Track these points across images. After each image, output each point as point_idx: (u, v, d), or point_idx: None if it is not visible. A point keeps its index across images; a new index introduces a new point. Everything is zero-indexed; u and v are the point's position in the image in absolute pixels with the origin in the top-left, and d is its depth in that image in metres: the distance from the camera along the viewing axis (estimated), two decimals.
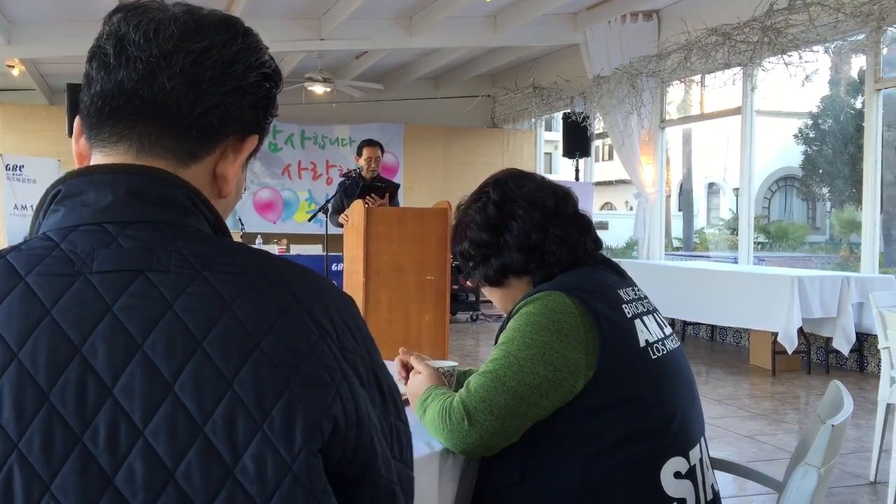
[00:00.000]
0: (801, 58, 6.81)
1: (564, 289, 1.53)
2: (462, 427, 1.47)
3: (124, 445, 0.73)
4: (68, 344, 0.75)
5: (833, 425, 1.36)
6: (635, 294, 1.63)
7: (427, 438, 1.55)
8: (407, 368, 1.81)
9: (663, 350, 1.56)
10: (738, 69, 7.54)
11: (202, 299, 0.78)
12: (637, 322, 1.55)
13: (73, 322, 0.76)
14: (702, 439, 1.60)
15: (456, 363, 1.83)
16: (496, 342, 1.58)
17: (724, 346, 8.25)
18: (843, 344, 6.38)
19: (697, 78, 8.46)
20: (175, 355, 0.75)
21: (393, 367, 1.84)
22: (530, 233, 1.63)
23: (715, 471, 1.71)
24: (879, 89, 6.74)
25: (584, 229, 1.67)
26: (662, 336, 1.59)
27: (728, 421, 5.07)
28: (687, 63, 7.89)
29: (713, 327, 8.33)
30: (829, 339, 6.61)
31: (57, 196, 0.85)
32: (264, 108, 0.93)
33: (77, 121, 0.92)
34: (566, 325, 1.48)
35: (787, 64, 6.91)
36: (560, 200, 1.67)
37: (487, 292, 1.75)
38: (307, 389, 0.77)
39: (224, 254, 0.83)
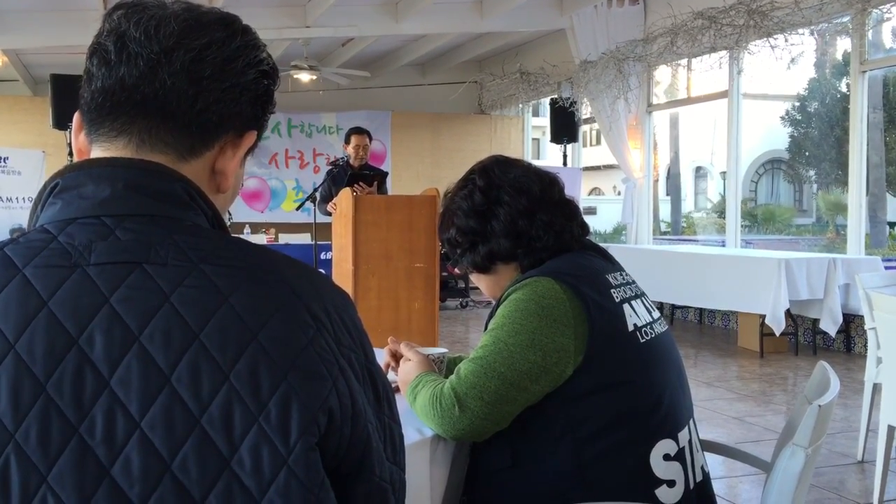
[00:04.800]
0: (786, 41, 6.82)
1: (553, 274, 1.54)
2: (453, 413, 1.48)
3: (121, 437, 0.73)
4: (65, 335, 0.75)
5: (819, 406, 1.37)
6: (623, 279, 1.64)
7: (417, 425, 1.56)
8: (396, 358, 1.81)
9: (651, 334, 1.58)
10: (724, 53, 7.55)
11: (199, 292, 0.78)
12: (625, 306, 1.56)
13: (70, 313, 0.76)
14: (690, 421, 1.61)
15: (446, 350, 1.84)
16: (486, 329, 1.58)
17: (712, 328, 8.29)
18: (830, 325, 6.43)
19: (684, 62, 8.47)
20: (172, 347, 0.75)
21: (381, 355, 1.85)
22: (517, 219, 1.63)
23: (704, 452, 1.73)
24: (865, 71, 6.76)
25: (570, 214, 1.68)
26: (650, 320, 1.61)
27: (717, 403, 5.11)
28: (673, 47, 7.89)
29: (701, 310, 8.38)
30: (816, 321, 6.65)
31: (55, 189, 0.85)
32: (262, 104, 0.94)
33: (77, 116, 0.92)
34: (555, 310, 1.49)
35: (772, 47, 6.92)
36: (546, 186, 1.67)
37: (475, 279, 1.76)
38: (304, 382, 0.78)
39: (222, 247, 0.83)
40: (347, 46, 10.37)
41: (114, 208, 0.82)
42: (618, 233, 15.42)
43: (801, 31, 6.75)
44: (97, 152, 0.89)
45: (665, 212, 22.23)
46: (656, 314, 1.66)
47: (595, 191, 27.51)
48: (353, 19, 8.66)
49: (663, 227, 21.45)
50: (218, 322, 0.77)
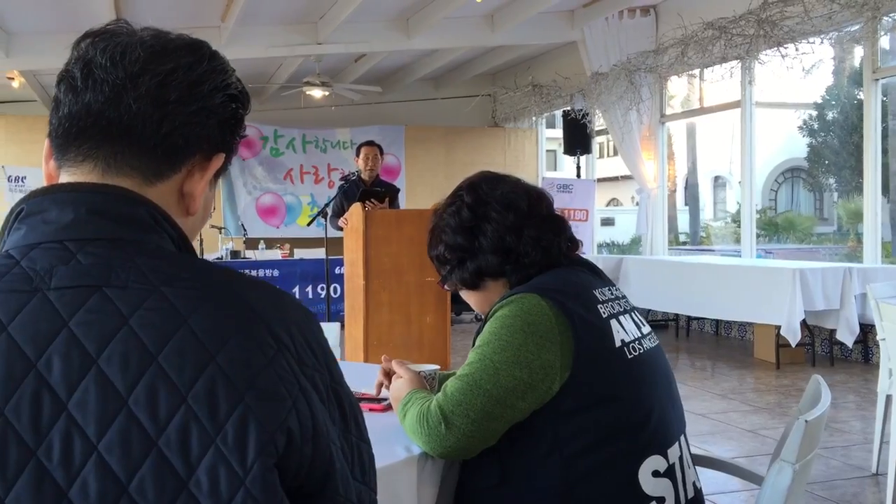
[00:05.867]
0: (797, 49, 6.79)
1: (539, 291, 1.54)
2: (439, 431, 1.48)
3: (78, 460, 0.74)
4: (24, 359, 0.76)
5: (807, 421, 1.36)
6: (612, 294, 1.63)
7: (406, 442, 1.56)
8: (389, 376, 1.81)
9: (640, 349, 1.57)
10: (735, 63, 7.52)
11: (159, 314, 0.78)
12: (613, 322, 1.55)
13: (29, 338, 0.76)
14: (682, 437, 1.60)
15: (437, 366, 1.83)
16: (473, 345, 1.58)
17: (728, 340, 8.23)
18: (847, 336, 6.35)
19: (697, 72, 8.44)
20: (130, 370, 0.76)
21: (361, 372, 1.85)
22: (504, 235, 1.63)
23: (699, 467, 1.71)
24: (877, 79, 6.71)
25: (558, 230, 1.67)
26: (639, 335, 1.60)
27: (731, 415, 5.06)
28: (684, 58, 7.88)
29: (718, 321, 8.31)
30: (832, 331, 6.58)
31: (20, 214, 0.86)
32: (231, 128, 0.95)
33: (46, 143, 0.94)
34: (541, 327, 1.49)
35: (783, 56, 6.89)
36: (534, 202, 1.67)
37: (465, 296, 1.76)
38: (262, 403, 0.78)
39: (184, 270, 0.83)
40: (360, 62, 10.42)
41: (76, 233, 0.83)
42: (635, 244, 15.35)
43: (811, 39, 6.71)
44: (65, 178, 0.90)
45: (684, 222, 22.11)
46: (646, 329, 1.65)
47: (613, 202, 27.40)
48: (364, 36, 8.72)
49: (682, 238, 21.31)
50: (176, 344, 0.77)
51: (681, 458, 1.56)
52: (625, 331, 1.56)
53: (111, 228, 0.84)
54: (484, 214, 1.65)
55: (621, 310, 1.61)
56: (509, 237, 1.63)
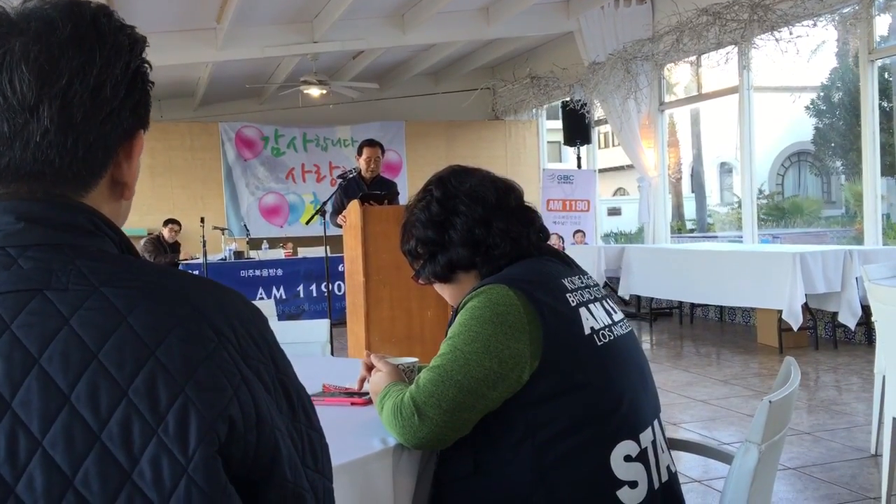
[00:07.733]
0: (791, 33, 6.77)
1: (507, 281, 1.56)
2: (412, 422, 1.50)
3: (23, 456, 0.76)
4: None
5: (770, 402, 1.37)
6: (582, 282, 1.65)
7: (383, 435, 1.58)
8: (371, 370, 1.83)
9: (610, 336, 1.58)
10: (731, 48, 7.51)
11: (99, 313, 0.80)
12: (582, 310, 1.57)
13: None
14: (655, 422, 1.62)
15: (416, 359, 1.86)
16: (446, 336, 1.60)
17: (733, 325, 8.23)
18: (849, 318, 6.35)
19: (694, 59, 8.43)
20: (71, 368, 0.78)
21: (346, 367, 1.87)
22: (473, 227, 1.65)
23: (678, 451, 1.73)
24: (873, 60, 6.69)
25: (527, 221, 1.69)
26: (610, 322, 1.61)
27: (732, 401, 5.07)
28: (680, 45, 7.86)
29: (722, 308, 8.31)
30: (835, 314, 6.58)
31: None
32: (143, 104, 0.94)
33: None
34: (509, 317, 1.51)
35: (777, 40, 6.87)
36: (502, 194, 1.69)
37: (439, 289, 1.78)
38: (202, 393, 0.80)
39: (125, 270, 0.85)
40: (358, 59, 10.44)
41: (18, 240, 0.85)
42: (642, 232, 15.34)
43: (805, 23, 6.69)
44: None
45: (691, 209, 22.05)
46: (618, 316, 1.67)
47: (620, 191, 27.35)
48: (359, 32, 8.73)
49: (690, 225, 21.26)
50: (116, 341, 0.79)
51: (654, 442, 1.58)
52: (595, 318, 1.58)
53: (52, 235, 0.86)
54: (453, 208, 1.67)
55: (592, 297, 1.63)
56: (478, 230, 1.65)
